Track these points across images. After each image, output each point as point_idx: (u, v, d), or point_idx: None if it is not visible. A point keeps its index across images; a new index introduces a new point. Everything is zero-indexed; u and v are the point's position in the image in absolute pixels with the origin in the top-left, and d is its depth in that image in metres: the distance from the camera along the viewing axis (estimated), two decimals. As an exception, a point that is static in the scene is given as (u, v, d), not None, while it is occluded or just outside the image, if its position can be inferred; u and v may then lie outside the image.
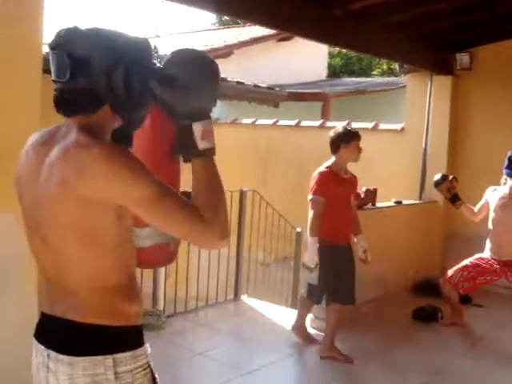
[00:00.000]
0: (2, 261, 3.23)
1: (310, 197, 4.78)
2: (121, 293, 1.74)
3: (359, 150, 4.83)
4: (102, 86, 1.68)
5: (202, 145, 1.74)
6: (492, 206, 5.69)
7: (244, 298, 6.75)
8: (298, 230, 8.03)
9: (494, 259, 5.64)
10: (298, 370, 4.93)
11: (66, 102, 1.71)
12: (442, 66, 7.54)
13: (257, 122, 10.09)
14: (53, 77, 1.72)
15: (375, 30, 6.29)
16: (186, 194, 4.15)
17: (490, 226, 5.72)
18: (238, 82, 7.83)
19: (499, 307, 6.21)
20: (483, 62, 7.41)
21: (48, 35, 5.69)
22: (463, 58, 7.48)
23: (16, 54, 3.21)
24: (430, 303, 6.36)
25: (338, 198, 4.81)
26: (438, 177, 5.93)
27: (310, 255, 4.66)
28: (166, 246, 3.38)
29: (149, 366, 1.78)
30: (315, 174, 4.82)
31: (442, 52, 7.47)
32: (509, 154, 5.47)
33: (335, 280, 4.77)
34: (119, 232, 1.70)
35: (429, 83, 7.71)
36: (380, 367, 4.96)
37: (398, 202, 7.01)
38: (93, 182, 1.57)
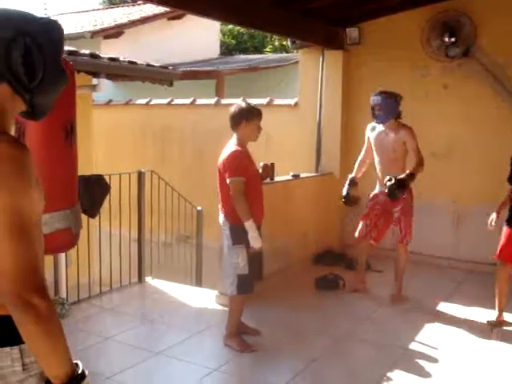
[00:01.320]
0: None
1: (229, 179, 4.55)
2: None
3: (259, 128, 4.73)
4: (0, 60, 1.61)
5: None
6: (374, 143, 5.98)
7: (148, 279, 6.71)
8: (199, 208, 8.05)
9: (382, 191, 5.82)
10: (207, 347, 4.94)
11: None
12: (332, 40, 7.70)
13: (151, 102, 9.99)
14: None
15: (266, 7, 6.32)
16: (83, 178, 4.07)
17: (376, 160, 6.00)
18: (131, 62, 7.67)
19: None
20: (371, 36, 7.64)
21: None
22: (352, 33, 7.67)
23: None
24: (332, 272, 6.57)
25: (253, 176, 4.72)
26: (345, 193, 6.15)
27: (257, 239, 4.54)
28: (68, 231, 3.33)
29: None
30: (227, 154, 4.61)
31: (333, 27, 7.62)
32: (371, 102, 5.80)
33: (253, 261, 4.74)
34: None
35: (320, 58, 7.86)
36: (287, 337, 5.09)
37: (296, 176, 7.14)
38: None
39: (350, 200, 6.14)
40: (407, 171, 5.64)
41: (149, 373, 4.41)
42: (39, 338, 1.52)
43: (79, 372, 1.62)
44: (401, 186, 5.54)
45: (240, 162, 4.59)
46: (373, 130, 6.01)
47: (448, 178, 7.26)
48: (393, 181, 5.54)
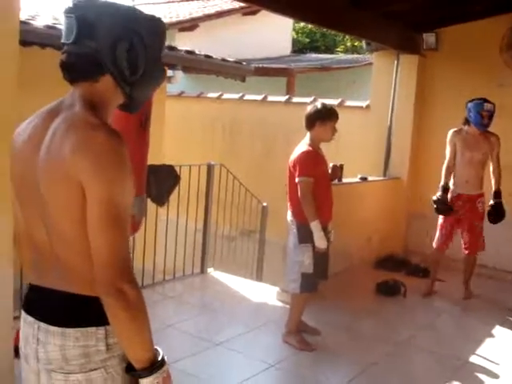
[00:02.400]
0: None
1: (298, 179, 4.55)
2: None
3: (334, 130, 4.69)
4: (106, 52, 1.69)
5: None
6: (463, 146, 6.00)
7: (211, 271, 6.81)
8: (264, 204, 8.10)
9: (461, 194, 6.02)
10: (265, 342, 5.00)
11: (69, 65, 1.72)
12: (408, 45, 7.62)
13: (223, 96, 10.09)
14: (62, 39, 1.73)
15: (344, 7, 6.31)
16: (154, 168, 4.17)
17: (458, 164, 6.04)
18: (206, 56, 7.78)
19: (460, 282, 6.38)
20: (449, 43, 7.52)
21: (25, 8, 5.59)
22: (429, 38, 7.58)
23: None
24: (393, 277, 6.52)
25: (323, 177, 4.71)
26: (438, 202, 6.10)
27: (322, 239, 4.54)
28: (132, 218, 3.41)
29: None
30: (298, 153, 4.61)
31: (410, 32, 7.55)
32: (483, 108, 5.82)
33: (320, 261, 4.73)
34: None
35: (395, 62, 7.80)
36: (346, 339, 5.09)
37: (364, 179, 7.11)
38: (83, 164, 1.56)
39: (446, 205, 6.04)
40: (495, 189, 6.02)
41: (208, 363, 4.48)
42: (127, 324, 1.59)
43: (159, 358, 1.69)
44: (503, 213, 5.97)
45: (310, 162, 4.60)
46: (459, 134, 6.04)
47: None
48: (493, 206, 5.94)
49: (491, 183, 6.08)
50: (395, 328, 5.43)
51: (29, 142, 1.73)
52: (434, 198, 6.05)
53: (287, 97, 9.76)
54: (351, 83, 12.30)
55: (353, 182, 6.91)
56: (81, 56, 1.70)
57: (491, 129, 5.97)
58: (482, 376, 4.58)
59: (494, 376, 4.59)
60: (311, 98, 8.48)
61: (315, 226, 4.53)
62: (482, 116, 5.81)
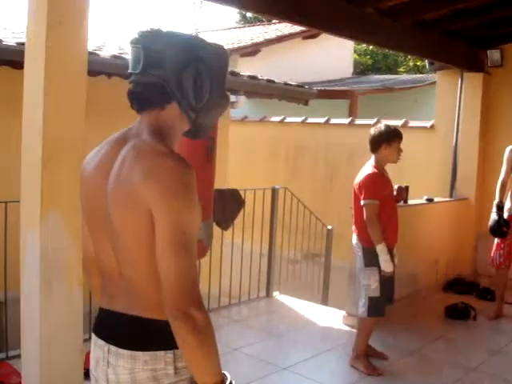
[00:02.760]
0: (49, 257, 3.31)
1: (364, 202, 4.52)
2: None
3: (400, 150, 4.65)
4: (173, 81, 1.73)
5: None
6: None
7: (276, 294, 6.81)
8: (329, 227, 8.06)
9: None
10: (332, 367, 4.95)
11: (136, 95, 1.77)
12: (472, 62, 7.51)
13: (285, 120, 10.14)
14: (129, 69, 1.79)
15: (406, 28, 6.30)
16: (219, 192, 4.23)
17: None
18: (268, 80, 7.86)
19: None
20: (515, 59, 7.37)
21: (92, 38, 5.78)
22: (494, 55, 7.44)
23: (62, 56, 3.28)
24: (462, 301, 6.37)
25: (389, 199, 4.67)
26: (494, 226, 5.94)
27: (388, 263, 4.50)
28: (200, 243, 3.46)
29: None
30: (364, 175, 4.59)
31: (473, 49, 7.44)
32: None
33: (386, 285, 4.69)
34: None
35: (459, 80, 7.69)
36: (415, 364, 4.99)
37: (430, 200, 7.00)
38: (152, 190, 1.60)
39: (504, 228, 5.88)
40: None
41: (274, 387, 4.48)
42: (195, 347, 1.60)
43: (227, 383, 1.70)
44: None
45: (376, 185, 4.57)
46: None
47: None
48: None
49: None
50: (465, 353, 5.29)
51: (98, 169, 1.78)
52: (491, 218, 5.90)
53: (350, 119, 9.73)
54: (414, 103, 12.18)
55: (419, 204, 6.81)
56: (148, 85, 1.75)
57: None
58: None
59: None
60: (374, 120, 8.44)
61: (381, 249, 4.48)
62: None
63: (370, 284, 4.59)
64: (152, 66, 1.73)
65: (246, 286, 6.48)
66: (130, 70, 1.78)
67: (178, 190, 1.61)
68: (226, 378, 1.71)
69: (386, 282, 4.63)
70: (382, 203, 4.53)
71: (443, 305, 6.32)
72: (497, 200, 5.95)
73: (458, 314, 6.18)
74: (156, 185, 1.60)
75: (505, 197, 6.00)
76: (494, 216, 5.90)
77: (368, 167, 4.65)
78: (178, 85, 1.74)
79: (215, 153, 3.55)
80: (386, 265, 4.50)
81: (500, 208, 5.90)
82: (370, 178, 4.55)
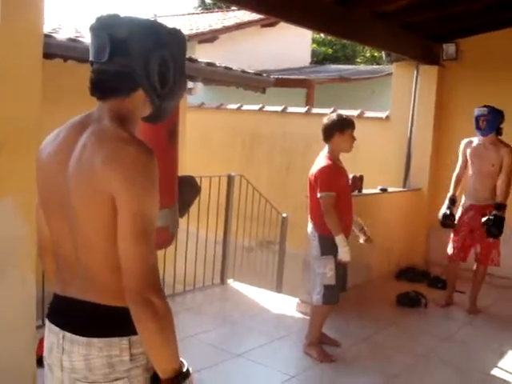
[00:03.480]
0: (2, 244, 3.25)
1: (320, 194, 4.54)
2: None
3: (353, 139, 4.68)
4: (139, 68, 1.72)
5: None
6: (472, 155, 6.01)
7: (230, 281, 6.83)
8: (284, 215, 8.10)
9: (472, 205, 6.00)
10: (286, 353, 5.00)
11: (102, 84, 1.75)
12: (428, 55, 7.62)
13: (243, 108, 10.13)
14: (91, 57, 1.76)
15: (364, 19, 6.33)
16: (183, 179, 4.21)
17: (470, 173, 6.05)
18: (226, 68, 7.83)
19: (480, 294, 6.33)
20: (469, 53, 7.50)
21: (48, 21, 5.66)
22: (449, 48, 7.57)
23: (16, 37, 3.20)
24: (414, 289, 6.49)
25: (344, 190, 4.69)
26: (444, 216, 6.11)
27: (347, 253, 4.53)
28: (166, 230, 3.44)
29: None
30: (319, 167, 4.60)
31: (429, 42, 7.54)
32: (476, 113, 5.87)
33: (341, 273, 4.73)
34: None
35: (415, 72, 7.80)
36: (367, 351, 5.08)
37: (384, 190, 7.09)
38: (113, 176, 1.59)
39: (451, 221, 6.06)
40: (499, 201, 5.83)
41: (228, 374, 4.49)
42: (154, 334, 1.61)
43: (185, 369, 1.71)
44: (501, 225, 5.74)
45: (331, 177, 4.59)
46: (470, 144, 6.06)
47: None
48: (491, 217, 5.72)
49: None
50: (416, 339, 5.40)
51: (56, 154, 1.76)
52: (442, 211, 6.07)
53: (307, 108, 9.78)
54: (370, 94, 12.29)
55: (373, 193, 6.89)
56: (115, 74, 1.73)
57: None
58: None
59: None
60: (331, 109, 8.49)
61: (340, 240, 4.52)
62: (477, 121, 5.84)
63: (326, 272, 4.63)
64: (118, 54, 1.71)
65: (200, 274, 6.48)
66: (92, 58, 1.75)
67: (140, 176, 1.61)
68: (184, 365, 1.73)
69: (340, 269, 4.68)
70: (338, 194, 4.56)
71: (395, 293, 6.42)
72: (450, 193, 6.11)
73: (409, 301, 6.29)
74: (117, 171, 1.59)
75: (459, 191, 6.14)
76: (443, 208, 6.08)
77: (322, 159, 4.66)
78: (144, 72, 1.73)
79: (177, 138, 3.53)
80: (345, 255, 4.54)
81: (452, 201, 6.05)
82: (325, 171, 4.58)
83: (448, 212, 6.04)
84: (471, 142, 6.07)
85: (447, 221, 6.07)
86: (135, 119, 1.80)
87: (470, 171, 6.06)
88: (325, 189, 4.54)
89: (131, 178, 1.60)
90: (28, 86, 3.28)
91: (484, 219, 5.78)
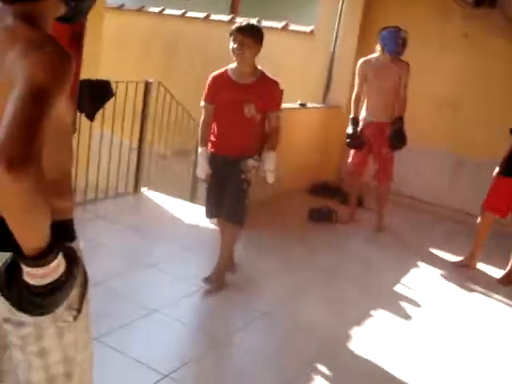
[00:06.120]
0: None
1: (202, 103, 4.47)
2: (58, 189, 1.66)
3: (233, 48, 4.34)
4: None
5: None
6: (373, 73, 6.13)
7: (144, 190, 6.73)
8: (201, 124, 7.97)
9: (371, 122, 6.15)
10: (197, 261, 5.01)
11: None
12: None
13: (164, 12, 9.74)
14: None
15: None
16: (88, 82, 4.05)
17: (368, 92, 6.19)
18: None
19: (388, 211, 6.53)
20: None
21: None
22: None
23: None
24: (326, 205, 6.62)
25: (228, 105, 4.34)
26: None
27: (199, 166, 4.46)
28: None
29: (81, 259, 1.71)
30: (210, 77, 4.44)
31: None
32: (403, 35, 5.93)
33: (221, 195, 4.49)
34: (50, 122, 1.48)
35: (342, -11, 7.67)
36: (273, 262, 5.16)
37: (303, 105, 7.07)
38: (28, 62, 1.45)
39: (358, 140, 6.16)
40: (397, 115, 6.03)
41: (137, 283, 4.47)
42: (16, 199, 1.37)
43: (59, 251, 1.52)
44: (403, 137, 5.96)
45: (210, 87, 4.43)
46: (369, 63, 6.15)
47: (451, 128, 7.24)
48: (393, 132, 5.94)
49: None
50: (321, 255, 5.54)
51: None
52: (347, 132, 6.16)
53: (231, 16, 9.50)
54: (300, 5, 12.05)
55: (291, 108, 6.85)
56: None
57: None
58: (404, 304, 4.75)
59: (416, 305, 4.77)
60: (255, 20, 8.27)
61: (200, 153, 4.48)
62: (397, 43, 5.91)
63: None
64: None
65: (113, 181, 6.34)
66: None
67: (55, 61, 1.47)
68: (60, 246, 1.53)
69: (227, 193, 4.47)
70: (218, 107, 4.42)
71: (307, 208, 6.53)
72: (352, 114, 6.21)
73: (320, 217, 6.43)
74: (33, 57, 1.45)
75: (359, 110, 6.22)
76: (348, 130, 6.16)
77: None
78: None
79: (83, 40, 3.37)
80: (198, 169, 4.54)
81: (355, 121, 6.15)
82: (209, 80, 4.50)
83: (352, 132, 6.14)
84: (369, 60, 6.16)
85: (352, 141, 6.17)
86: (48, 20, 1.66)
87: (369, 90, 6.16)
88: (204, 98, 4.48)
89: (46, 61, 1.46)
90: None
91: (389, 135, 5.97)
